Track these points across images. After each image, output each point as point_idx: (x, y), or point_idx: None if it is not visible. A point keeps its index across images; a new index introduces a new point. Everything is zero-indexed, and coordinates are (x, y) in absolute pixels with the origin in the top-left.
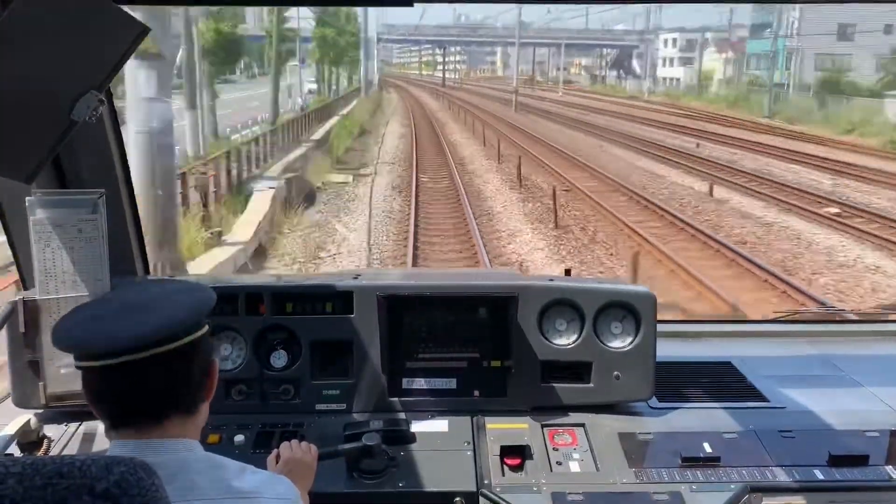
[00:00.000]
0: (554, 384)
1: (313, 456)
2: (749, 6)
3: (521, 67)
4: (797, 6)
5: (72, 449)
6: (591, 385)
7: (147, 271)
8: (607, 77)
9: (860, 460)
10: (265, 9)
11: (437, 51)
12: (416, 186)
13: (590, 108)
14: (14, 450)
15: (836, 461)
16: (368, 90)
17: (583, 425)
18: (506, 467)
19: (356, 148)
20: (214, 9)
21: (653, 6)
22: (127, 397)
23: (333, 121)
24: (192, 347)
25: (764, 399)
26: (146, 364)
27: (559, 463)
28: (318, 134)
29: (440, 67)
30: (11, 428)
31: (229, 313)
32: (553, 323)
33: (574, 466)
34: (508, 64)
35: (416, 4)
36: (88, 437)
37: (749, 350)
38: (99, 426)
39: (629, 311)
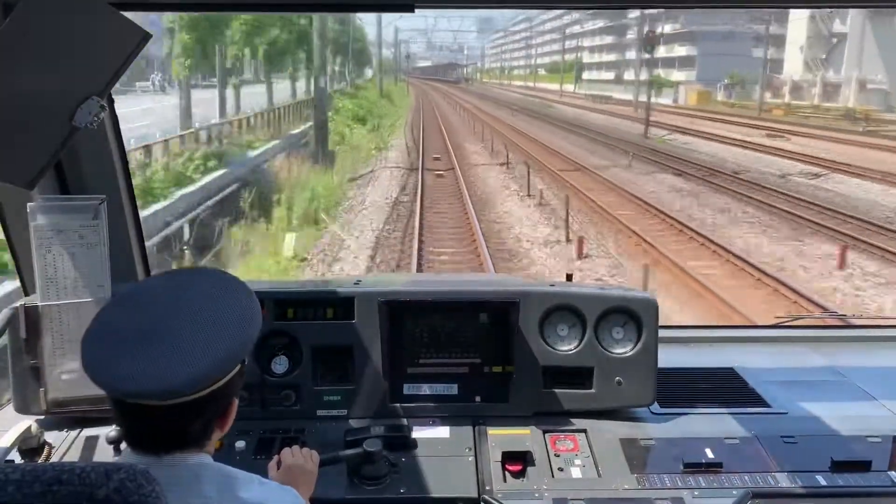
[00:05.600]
0: (555, 390)
1: (314, 462)
2: None
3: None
4: None
5: (73, 455)
6: (593, 391)
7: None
8: None
9: (863, 466)
10: None
11: (573, 37)
12: None
13: None
14: (15, 456)
15: (839, 467)
16: None
17: (584, 431)
18: (507, 473)
19: None
20: None
21: None
22: (158, 432)
23: None
24: (227, 385)
25: (766, 405)
26: (186, 404)
27: (561, 469)
28: None
29: (588, 76)
30: (12, 434)
31: None
32: (554, 328)
33: (576, 472)
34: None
35: (417, 10)
36: (90, 444)
37: (751, 356)
38: (100, 432)
39: (631, 316)
